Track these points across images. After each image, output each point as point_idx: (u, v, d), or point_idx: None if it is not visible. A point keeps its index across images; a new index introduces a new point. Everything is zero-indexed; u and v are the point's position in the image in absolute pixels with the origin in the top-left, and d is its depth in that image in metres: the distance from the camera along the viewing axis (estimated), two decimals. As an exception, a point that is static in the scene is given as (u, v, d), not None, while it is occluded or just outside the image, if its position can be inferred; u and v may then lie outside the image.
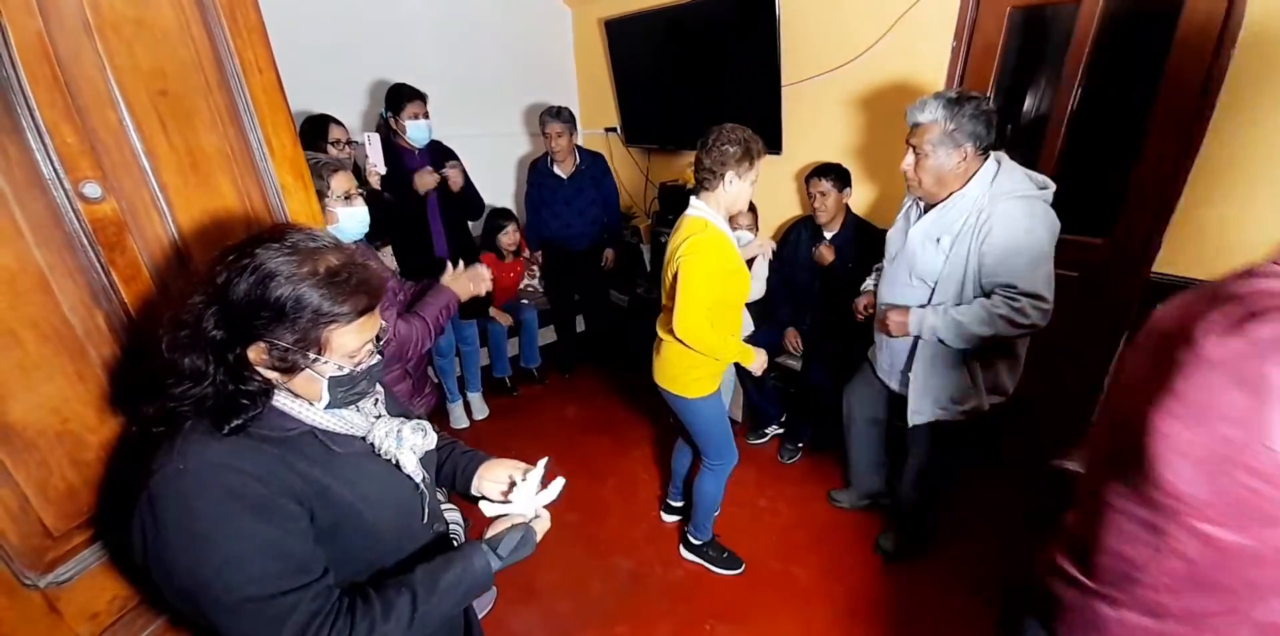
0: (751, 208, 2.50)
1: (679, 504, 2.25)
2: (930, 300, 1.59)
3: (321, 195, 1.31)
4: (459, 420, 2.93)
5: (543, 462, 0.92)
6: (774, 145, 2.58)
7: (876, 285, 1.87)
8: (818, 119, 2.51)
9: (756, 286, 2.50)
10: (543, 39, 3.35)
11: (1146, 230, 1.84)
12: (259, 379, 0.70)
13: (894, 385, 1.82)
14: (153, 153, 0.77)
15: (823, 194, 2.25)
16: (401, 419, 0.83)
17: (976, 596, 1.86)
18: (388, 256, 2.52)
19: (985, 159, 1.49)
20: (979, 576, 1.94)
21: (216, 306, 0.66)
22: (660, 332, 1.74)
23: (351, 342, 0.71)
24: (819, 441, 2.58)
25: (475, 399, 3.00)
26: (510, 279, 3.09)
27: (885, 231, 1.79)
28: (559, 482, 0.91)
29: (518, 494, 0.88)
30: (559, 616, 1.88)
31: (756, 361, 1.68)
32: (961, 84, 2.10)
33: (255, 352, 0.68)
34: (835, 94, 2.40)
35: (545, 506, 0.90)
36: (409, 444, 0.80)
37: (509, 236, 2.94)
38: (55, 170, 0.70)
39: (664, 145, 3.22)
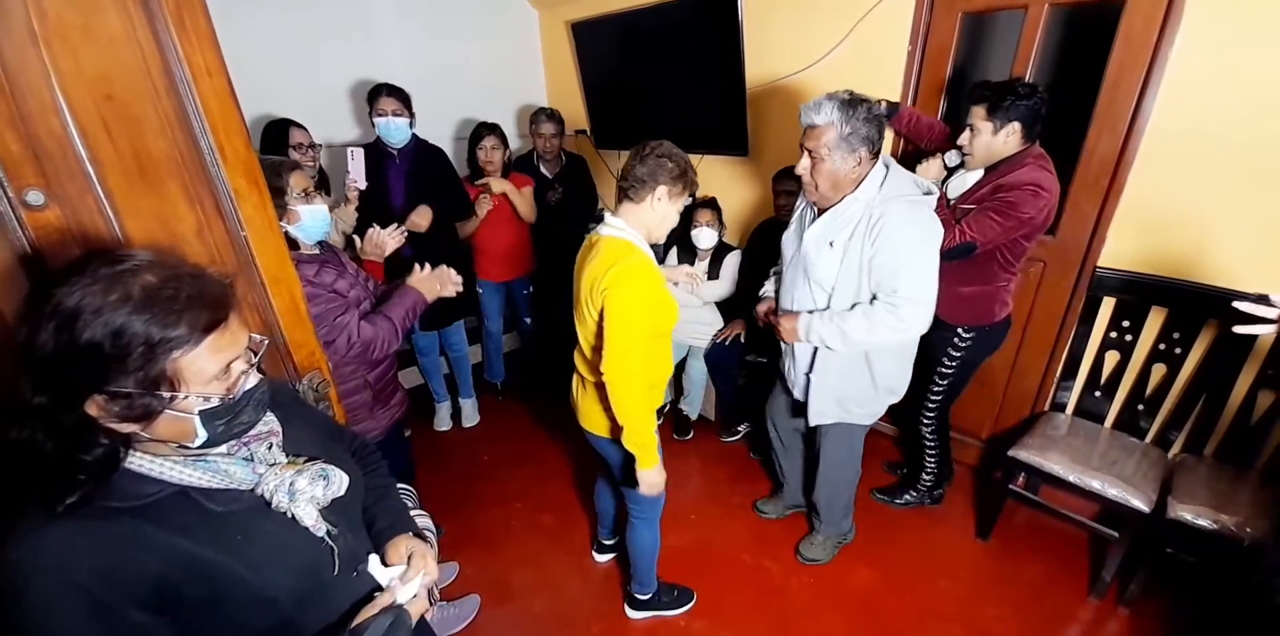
0: (715, 205, 2.53)
1: (612, 542, 2.07)
2: (830, 304, 1.58)
3: (281, 193, 1.31)
4: (441, 422, 2.89)
5: (450, 567, 0.85)
6: (740, 147, 2.62)
7: (777, 291, 1.83)
8: (783, 121, 2.55)
9: (725, 286, 2.55)
10: (511, 41, 3.34)
11: (1090, 227, 1.92)
12: (107, 440, 0.59)
13: (797, 392, 1.78)
14: (97, 159, 0.77)
15: (789, 193, 2.30)
16: (303, 465, 0.74)
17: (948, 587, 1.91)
18: None
19: (875, 162, 1.49)
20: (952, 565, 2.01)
21: (26, 368, 0.56)
22: (585, 373, 1.53)
23: (209, 366, 0.61)
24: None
25: (468, 405, 2.95)
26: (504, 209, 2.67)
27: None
28: (435, 575, 0.85)
29: (405, 582, 0.81)
30: (534, 618, 1.88)
31: (650, 477, 1.46)
32: (918, 86, 2.17)
33: (94, 409, 0.57)
34: (798, 96, 2.45)
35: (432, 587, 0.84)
36: (306, 496, 0.71)
37: (487, 153, 2.55)
38: (-4, 178, 0.69)
39: (630, 147, 3.22)
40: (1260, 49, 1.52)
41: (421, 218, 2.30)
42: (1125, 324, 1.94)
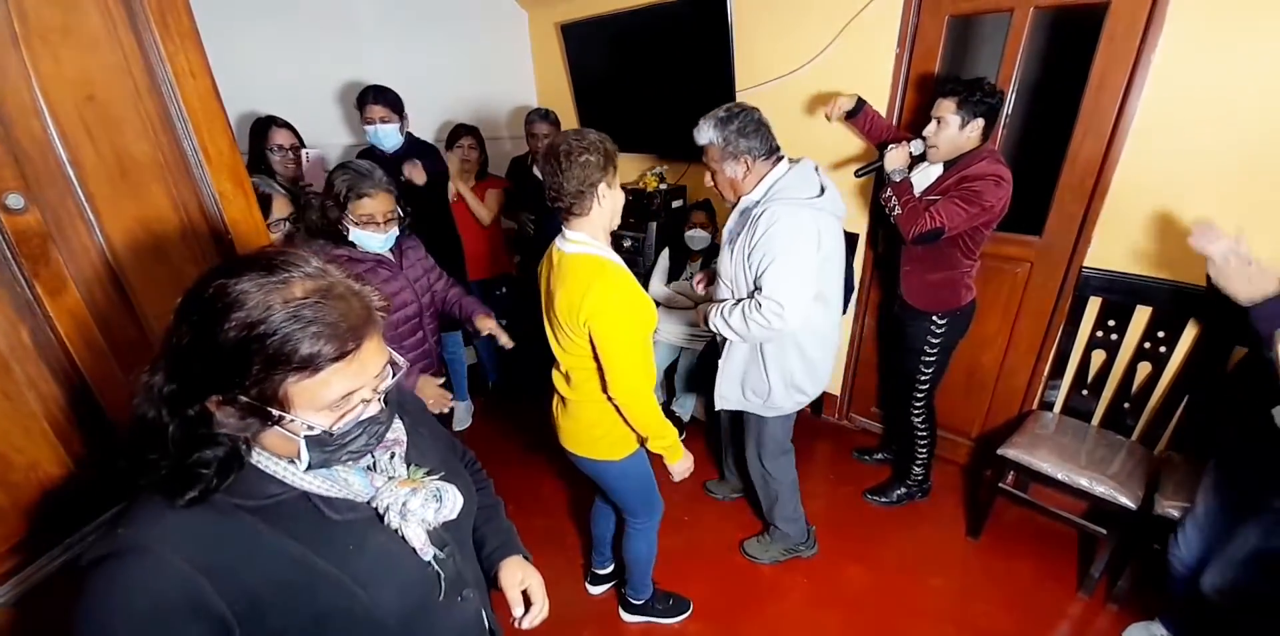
0: (708, 207, 2.53)
1: (606, 571, 1.98)
2: (733, 296, 1.65)
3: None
4: None
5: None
6: (730, 148, 2.62)
7: None
8: (773, 123, 2.54)
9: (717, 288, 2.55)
10: (500, 43, 3.33)
11: (1076, 228, 1.94)
12: (227, 440, 0.59)
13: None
14: (78, 161, 0.75)
15: None
16: (420, 481, 0.71)
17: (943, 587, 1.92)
18: None
19: (777, 163, 1.56)
20: (945, 566, 2.02)
21: (165, 355, 0.57)
22: (564, 391, 1.46)
23: (326, 394, 0.58)
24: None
25: (460, 408, 2.94)
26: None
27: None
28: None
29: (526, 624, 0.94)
30: (527, 622, 1.87)
31: (681, 465, 1.49)
32: (905, 88, 2.18)
33: (212, 406, 0.57)
34: (789, 99, 2.46)
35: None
36: (417, 518, 0.69)
37: (465, 151, 2.62)
38: (-28, 181, 0.67)
39: (623, 149, 3.20)
40: (1243, 50, 1.55)
41: (417, 170, 2.30)
42: (1111, 323, 1.96)
